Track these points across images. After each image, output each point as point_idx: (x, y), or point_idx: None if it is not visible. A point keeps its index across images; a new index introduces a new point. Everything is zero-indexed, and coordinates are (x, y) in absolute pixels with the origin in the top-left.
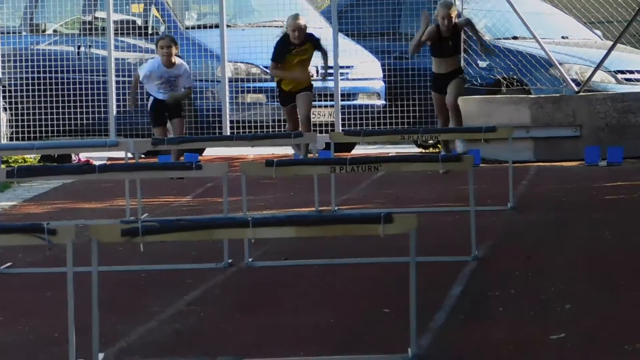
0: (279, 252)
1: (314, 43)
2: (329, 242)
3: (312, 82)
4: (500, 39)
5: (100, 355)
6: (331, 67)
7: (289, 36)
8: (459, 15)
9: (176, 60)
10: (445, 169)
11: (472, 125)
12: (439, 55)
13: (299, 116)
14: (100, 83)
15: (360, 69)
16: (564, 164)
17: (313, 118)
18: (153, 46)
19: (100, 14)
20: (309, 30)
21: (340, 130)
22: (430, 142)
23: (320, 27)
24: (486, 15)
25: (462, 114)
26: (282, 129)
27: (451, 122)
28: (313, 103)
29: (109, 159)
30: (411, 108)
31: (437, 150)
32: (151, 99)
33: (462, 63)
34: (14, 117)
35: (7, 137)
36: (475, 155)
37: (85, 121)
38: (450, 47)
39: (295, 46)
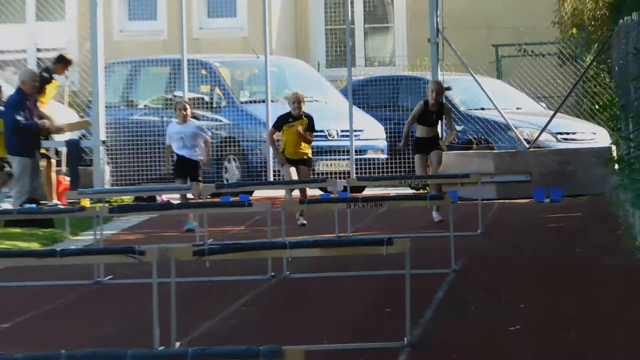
0: (309, 267)
1: (310, 121)
2: (346, 259)
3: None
4: (471, 109)
5: (177, 344)
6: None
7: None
8: (445, 95)
9: (189, 119)
10: (435, 209)
11: (451, 173)
12: (424, 124)
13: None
14: None
15: (368, 131)
16: (519, 201)
17: (331, 168)
18: (218, 116)
19: (178, 93)
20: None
21: (355, 177)
22: (421, 185)
23: (339, 102)
24: (461, 92)
25: (443, 165)
26: (313, 176)
27: (432, 184)
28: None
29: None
30: (406, 161)
31: (426, 191)
32: (175, 155)
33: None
34: (114, 169)
35: (110, 183)
36: (454, 194)
37: (166, 171)
38: (434, 120)
39: (293, 119)
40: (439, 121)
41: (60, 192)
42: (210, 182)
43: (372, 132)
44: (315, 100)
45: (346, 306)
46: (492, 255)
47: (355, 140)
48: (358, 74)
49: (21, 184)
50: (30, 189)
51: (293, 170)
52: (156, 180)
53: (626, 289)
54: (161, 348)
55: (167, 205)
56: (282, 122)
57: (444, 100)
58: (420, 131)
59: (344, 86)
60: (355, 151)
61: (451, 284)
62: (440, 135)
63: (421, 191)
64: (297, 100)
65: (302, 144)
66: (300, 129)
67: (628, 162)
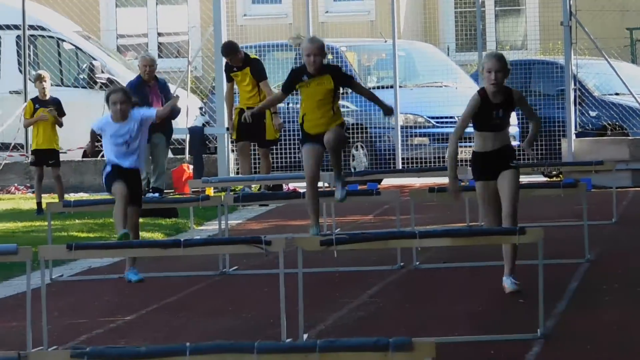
0: (439, 257)
1: (335, 75)
2: (477, 249)
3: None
4: (605, 94)
5: (305, 336)
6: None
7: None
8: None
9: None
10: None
11: (585, 160)
12: (484, 128)
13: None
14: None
15: None
16: None
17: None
18: (346, 102)
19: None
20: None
21: None
22: (554, 173)
23: (469, 87)
24: (595, 77)
25: (576, 152)
26: (443, 164)
27: (505, 249)
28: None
29: None
30: (538, 148)
31: (559, 178)
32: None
33: (576, 113)
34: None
35: (234, 172)
36: (587, 182)
37: (292, 160)
38: (500, 118)
39: (310, 76)
40: (508, 120)
41: (183, 180)
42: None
43: None
44: (445, 86)
45: (477, 297)
46: (627, 244)
47: None
48: None
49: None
50: (148, 176)
51: (314, 151)
52: (283, 169)
53: None
54: (288, 340)
55: (294, 194)
56: (293, 81)
57: (511, 86)
58: (479, 141)
59: (474, 71)
60: None
61: (585, 274)
62: (512, 143)
63: (554, 179)
64: (311, 51)
65: (331, 109)
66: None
67: None
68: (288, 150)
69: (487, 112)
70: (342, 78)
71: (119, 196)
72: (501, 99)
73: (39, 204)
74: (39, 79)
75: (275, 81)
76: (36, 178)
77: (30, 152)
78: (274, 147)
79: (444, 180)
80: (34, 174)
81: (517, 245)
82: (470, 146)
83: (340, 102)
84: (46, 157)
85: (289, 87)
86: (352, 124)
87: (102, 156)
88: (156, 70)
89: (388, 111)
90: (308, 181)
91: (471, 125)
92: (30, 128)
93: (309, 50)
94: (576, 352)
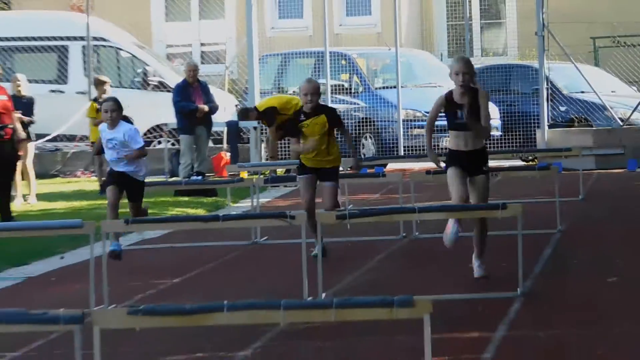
0: (435, 228)
1: (330, 117)
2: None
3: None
4: (573, 92)
5: (323, 295)
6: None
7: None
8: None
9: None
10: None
11: (556, 147)
12: (453, 127)
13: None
14: None
15: None
16: (614, 171)
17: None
18: (357, 100)
19: (321, 80)
20: None
21: None
22: (530, 158)
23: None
24: (564, 78)
25: (549, 141)
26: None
27: (475, 234)
28: None
29: None
30: (517, 137)
31: (534, 162)
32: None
33: (549, 109)
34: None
35: (265, 158)
36: (558, 166)
37: None
38: (463, 118)
39: (307, 116)
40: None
41: (221, 166)
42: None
43: None
44: (439, 86)
45: (467, 262)
46: (593, 217)
47: None
48: (475, 62)
49: (185, 158)
50: (192, 162)
51: (308, 183)
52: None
53: None
54: (309, 299)
55: None
56: (294, 123)
57: (478, 86)
58: (451, 139)
59: None
60: None
61: (557, 242)
62: (485, 146)
63: (530, 163)
64: (308, 91)
65: (329, 146)
66: (310, 143)
67: None
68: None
69: (451, 112)
70: (336, 120)
71: (109, 205)
72: (467, 99)
73: (101, 185)
74: (100, 83)
75: (296, 83)
76: (97, 164)
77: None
78: None
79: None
80: (96, 161)
81: (485, 231)
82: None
83: (352, 99)
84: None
85: (293, 130)
86: (362, 118)
87: (155, 144)
88: (199, 74)
89: (356, 166)
90: (306, 213)
91: None
92: (89, 123)
93: (305, 90)
94: (550, 307)
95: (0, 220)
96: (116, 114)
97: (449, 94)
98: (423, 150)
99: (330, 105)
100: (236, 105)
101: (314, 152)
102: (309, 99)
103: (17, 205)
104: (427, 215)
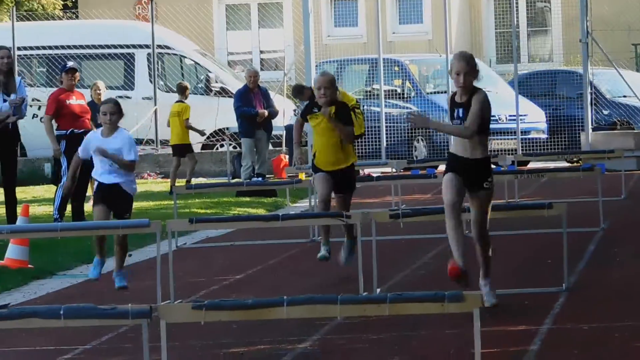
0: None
1: (338, 109)
2: (514, 220)
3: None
4: (615, 97)
5: (378, 290)
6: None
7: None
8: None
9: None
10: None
11: (599, 149)
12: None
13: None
14: (374, 128)
15: (531, 116)
16: None
17: (501, 146)
18: (409, 105)
19: (375, 86)
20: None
21: (520, 153)
22: (575, 159)
23: (507, 91)
24: (607, 83)
25: (593, 143)
26: None
27: (479, 250)
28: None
29: (382, 172)
30: (562, 140)
31: (579, 164)
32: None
33: (592, 112)
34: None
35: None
36: (602, 167)
37: (369, 150)
38: (461, 118)
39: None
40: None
41: (281, 168)
42: (403, 158)
43: (534, 116)
44: (488, 91)
45: (514, 259)
46: (635, 215)
47: (521, 123)
48: (522, 68)
49: (246, 161)
50: (253, 164)
51: (324, 178)
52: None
53: None
54: (365, 293)
55: (368, 178)
56: (306, 109)
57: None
58: (453, 143)
59: (511, 79)
60: (521, 132)
61: (600, 240)
62: (489, 156)
63: (575, 164)
64: (322, 84)
65: (340, 149)
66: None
67: None
68: (366, 142)
69: (452, 110)
70: (344, 114)
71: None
72: (465, 99)
73: (172, 186)
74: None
75: (351, 89)
76: (174, 166)
77: (167, 145)
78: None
79: None
80: (174, 163)
81: (488, 247)
82: (514, 138)
83: (405, 104)
84: (182, 151)
85: (303, 114)
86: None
87: (217, 148)
88: (259, 80)
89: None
90: (320, 206)
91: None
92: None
93: (319, 83)
94: (593, 301)
95: (72, 220)
96: (116, 117)
97: (454, 93)
98: None
99: (384, 109)
100: (294, 110)
101: (329, 155)
102: (323, 92)
103: (88, 206)
104: None
